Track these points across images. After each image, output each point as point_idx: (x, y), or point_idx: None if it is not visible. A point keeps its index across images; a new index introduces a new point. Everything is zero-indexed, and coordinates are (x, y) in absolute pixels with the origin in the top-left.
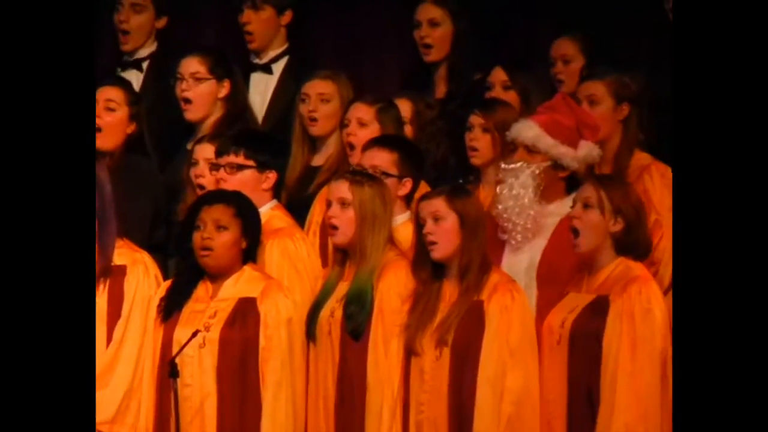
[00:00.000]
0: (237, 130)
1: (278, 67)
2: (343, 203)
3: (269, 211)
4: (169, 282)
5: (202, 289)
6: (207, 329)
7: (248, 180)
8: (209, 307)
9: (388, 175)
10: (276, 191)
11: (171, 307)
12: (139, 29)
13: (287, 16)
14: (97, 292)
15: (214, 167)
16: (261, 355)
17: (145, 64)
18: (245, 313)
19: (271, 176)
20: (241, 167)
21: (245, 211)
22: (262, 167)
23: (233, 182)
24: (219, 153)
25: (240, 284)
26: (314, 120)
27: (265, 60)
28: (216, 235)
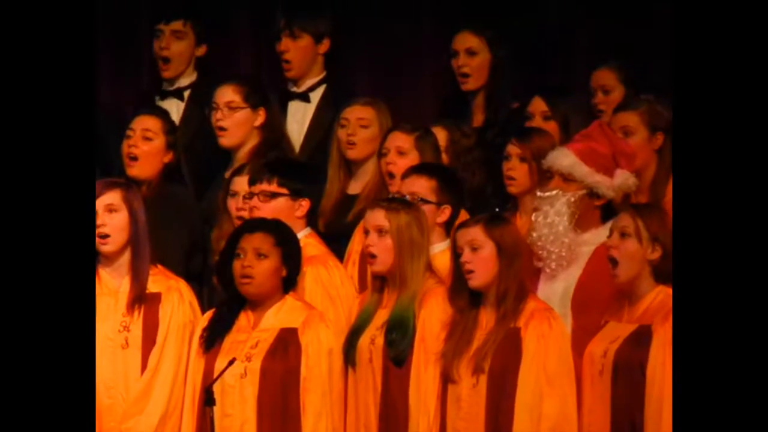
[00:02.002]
0: (270, 159)
1: (316, 96)
2: (381, 231)
3: (303, 239)
4: (211, 312)
5: (244, 318)
6: (249, 359)
7: (282, 208)
8: (251, 337)
9: (426, 201)
10: (311, 219)
11: (213, 337)
12: (179, 56)
13: (325, 45)
14: (131, 319)
15: (248, 196)
16: (302, 386)
17: (186, 93)
18: (287, 343)
19: (305, 204)
20: (274, 195)
21: (285, 240)
22: (295, 195)
23: (266, 210)
24: (252, 181)
25: (281, 314)
26: (352, 144)
27: (302, 88)
28: (256, 264)
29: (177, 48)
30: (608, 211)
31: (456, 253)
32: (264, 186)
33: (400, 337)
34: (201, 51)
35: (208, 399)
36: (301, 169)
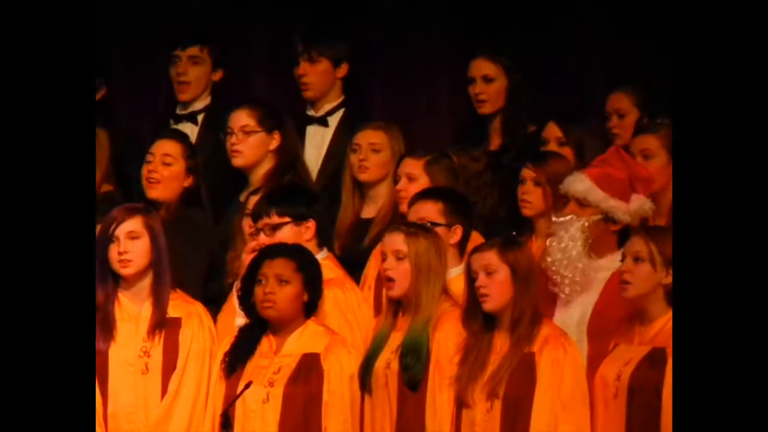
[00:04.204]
0: (265, 192)
1: (334, 120)
2: (399, 256)
3: (321, 261)
4: (232, 337)
5: (266, 343)
6: (271, 385)
7: (288, 236)
8: (273, 362)
9: (436, 224)
10: (325, 240)
11: (234, 362)
12: (196, 81)
13: (343, 69)
14: (151, 345)
15: (255, 233)
16: (324, 411)
17: (200, 117)
18: (309, 368)
19: (311, 226)
20: (276, 227)
21: (307, 265)
22: (298, 219)
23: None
24: (254, 218)
25: (303, 339)
26: (364, 168)
27: (321, 113)
28: (278, 290)
29: (195, 73)
30: (625, 236)
31: (470, 277)
32: (265, 220)
33: (414, 361)
34: (217, 76)
35: (225, 423)
36: (298, 193)
